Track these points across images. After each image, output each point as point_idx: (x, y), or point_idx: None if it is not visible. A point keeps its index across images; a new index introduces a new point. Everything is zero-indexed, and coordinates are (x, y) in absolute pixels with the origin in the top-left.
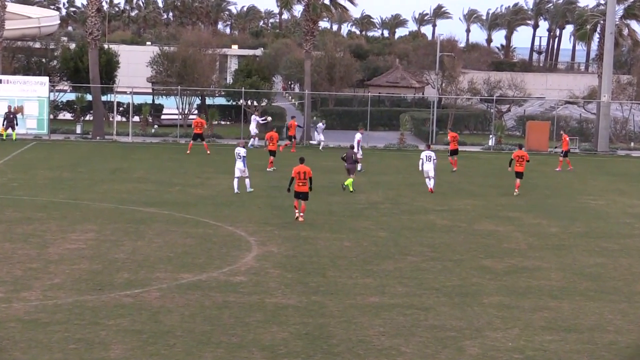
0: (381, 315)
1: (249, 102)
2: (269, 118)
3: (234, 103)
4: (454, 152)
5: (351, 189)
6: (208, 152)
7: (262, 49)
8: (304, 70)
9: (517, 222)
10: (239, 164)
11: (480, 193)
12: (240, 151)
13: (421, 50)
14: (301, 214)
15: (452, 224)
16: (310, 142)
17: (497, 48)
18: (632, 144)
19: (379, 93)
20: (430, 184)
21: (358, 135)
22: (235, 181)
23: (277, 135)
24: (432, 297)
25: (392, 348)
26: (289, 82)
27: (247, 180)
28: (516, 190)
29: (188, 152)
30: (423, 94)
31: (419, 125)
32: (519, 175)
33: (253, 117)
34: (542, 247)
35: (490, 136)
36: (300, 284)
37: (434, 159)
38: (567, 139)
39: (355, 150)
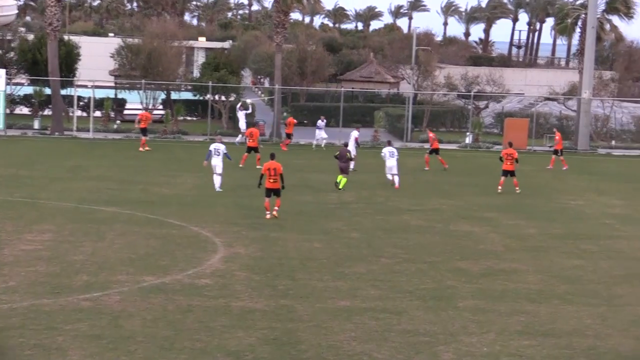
0: (352, 320)
1: (217, 97)
2: (249, 109)
3: (201, 98)
4: (436, 151)
5: (341, 187)
6: (147, 148)
7: (231, 41)
8: (274, 64)
9: (494, 222)
10: (216, 160)
11: (457, 193)
12: (220, 147)
13: (396, 44)
14: (275, 208)
15: (427, 225)
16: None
17: (475, 42)
18: (614, 142)
19: (353, 88)
20: (395, 180)
21: (355, 133)
22: (216, 178)
23: (257, 132)
24: (405, 300)
25: (364, 353)
26: (259, 77)
27: (219, 179)
28: (500, 188)
29: (141, 149)
30: (398, 89)
31: (393, 122)
32: (506, 173)
33: (239, 113)
34: (519, 248)
35: (468, 134)
36: (268, 287)
37: (396, 156)
38: (560, 136)
39: (351, 148)
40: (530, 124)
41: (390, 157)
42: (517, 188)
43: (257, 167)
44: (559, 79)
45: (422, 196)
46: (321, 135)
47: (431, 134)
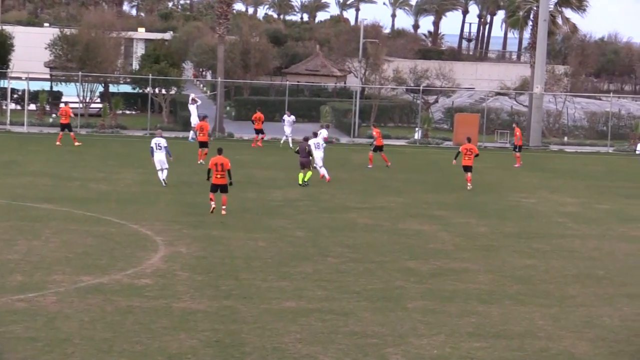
0: (298, 321)
1: (157, 90)
2: (199, 101)
3: (140, 91)
4: (380, 148)
5: (304, 181)
6: (76, 143)
7: (172, 32)
8: (217, 57)
9: (443, 221)
10: (159, 156)
11: (405, 190)
12: (161, 141)
13: (343, 36)
14: (223, 206)
15: (374, 223)
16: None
17: (425, 35)
18: (566, 138)
19: (298, 82)
20: (322, 172)
21: (324, 132)
22: (160, 174)
23: (207, 126)
24: (352, 301)
25: (310, 356)
26: (200, 69)
27: (165, 172)
28: (469, 184)
29: (58, 142)
30: (345, 83)
31: (340, 117)
32: (467, 169)
33: (191, 107)
34: (470, 247)
35: (417, 129)
36: (210, 287)
37: (322, 146)
38: (519, 132)
39: (319, 147)
40: (480, 120)
41: (316, 149)
42: (469, 184)
43: (200, 162)
44: (510, 73)
45: (370, 193)
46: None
47: (376, 130)
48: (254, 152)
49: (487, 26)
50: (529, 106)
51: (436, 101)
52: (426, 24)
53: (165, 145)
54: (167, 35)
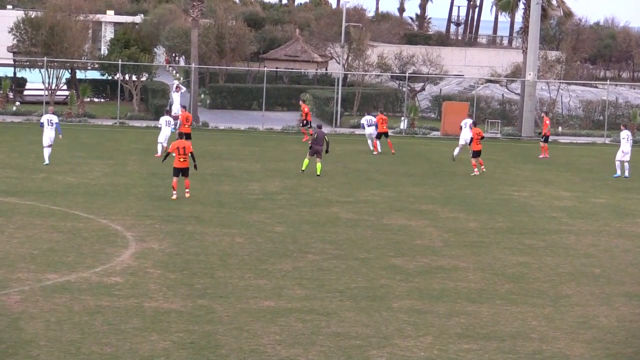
0: (277, 322)
1: (127, 77)
2: (183, 88)
3: (109, 77)
4: (385, 135)
5: (301, 169)
6: None
7: (142, 15)
8: (190, 41)
9: (431, 215)
10: (49, 132)
11: (391, 183)
12: (53, 118)
13: (324, 20)
14: (187, 190)
15: (358, 218)
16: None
17: (411, 18)
18: (560, 128)
19: (277, 68)
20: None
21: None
22: (46, 151)
23: (191, 117)
24: (335, 300)
25: (289, 358)
26: (173, 55)
27: (49, 150)
28: (476, 170)
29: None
30: (326, 69)
31: (321, 105)
32: (477, 154)
33: (174, 94)
34: (459, 244)
35: (402, 118)
36: (184, 285)
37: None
38: (548, 121)
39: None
40: (470, 108)
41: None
42: (476, 170)
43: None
44: (501, 59)
45: (353, 186)
46: None
47: (380, 117)
48: (229, 143)
49: (477, 9)
50: (521, 94)
51: (423, 89)
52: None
53: (57, 122)
54: (138, 19)
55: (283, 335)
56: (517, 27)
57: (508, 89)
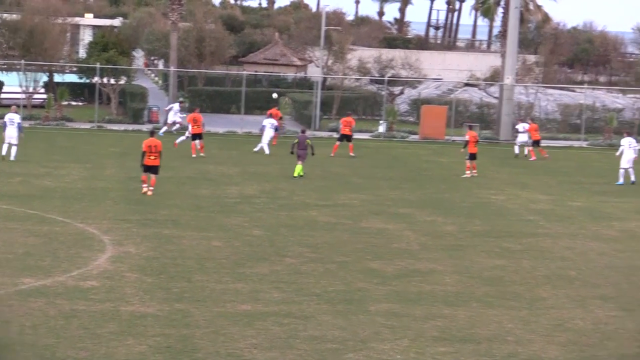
0: (254, 325)
1: (105, 80)
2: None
3: (88, 81)
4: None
5: (298, 174)
6: None
7: (121, 19)
8: (170, 44)
9: (408, 219)
10: (11, 131)
11: (368, 186)
12: (14, 117)
13: (304, 24)
14: (150, 187)
15: (335, 221)
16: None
17: (390, 22)
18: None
19: (256, 71)
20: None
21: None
22: (5, 147)
23: (200, 117)
24: (312, 304)
25: None
26: (152, 58)
27: (14, 150)
28: (468, 172)
29: None
30: (306, 73)
31: (300, 109)
32: (473, 157)
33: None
34: (436, 247)
35: (381, 122)
36: (161, 289)
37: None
38: (534, 125)
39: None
40: (449, 112)
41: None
42: (468, 172)
43: (201, 154)
44: (480, 63)
45: (331, 190)
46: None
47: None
48: (207, 147)
49: (456, 13)
50: (499, 98)
51: (402, 92)
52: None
53: (19, 121)
54: (117, 22)
55: (260, 339)
56: (495, 31)
57: (486, 93)
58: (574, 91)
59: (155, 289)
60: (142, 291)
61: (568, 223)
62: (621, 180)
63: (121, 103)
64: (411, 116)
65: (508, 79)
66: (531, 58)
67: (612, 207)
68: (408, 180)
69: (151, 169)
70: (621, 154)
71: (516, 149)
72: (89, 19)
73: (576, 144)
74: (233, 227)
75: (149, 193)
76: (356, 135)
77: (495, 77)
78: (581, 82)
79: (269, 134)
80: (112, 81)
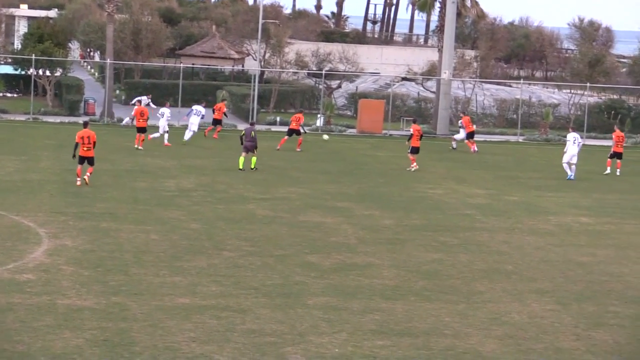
0: (192, 319)
1: (41, 72)
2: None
3: (23, 72)
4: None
5: (252, 166)
6: None
7: (57, 10)
8: (106, 36)
9: (346, 212)
10: None
11: (306, 180)
12: None
13: (241, 17)
14: (87, 174)
15: (274, 215)
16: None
17: (327, 16)
18: (475, 126)
19: (193, 64)
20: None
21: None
22: None
23: (147, 111)
24: (250, 297)
25: (204, 356)
26: (88, 50)
27: None
28: (413, 165)
29: None
30: (243, 66)
31: (238, 102)
32: (415, 150)
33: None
34: (374, 241)
35: (319, 115)
36: (98, 282)
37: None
38: (469, 119)
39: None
40: (386, 106)
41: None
42: (413, 165)
43: (138, 147)
44: (417, 57)
45: (269, 184)
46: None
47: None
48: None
49: (393, 8)
50: (436, 92)
51: (339, 86)
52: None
53: None
54: (52, 13)
55: (197, 332)
56: (432, 25)
57: (424, 87)
58: (510, 86)
59: (92, 282)
60: (79, 284)
61: (505, 217)
62: (571, 174)
63: (57, 95)
64: (349, 110)
65: (445, 74)
66: (469, 53)
67: (548, 201)
68: (346, 174)
69: (86, 160)
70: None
71: (454, 144)
72: (24, 10)
73: (513, 138)
74: (171, 221)
75: (85, 179)
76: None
77: (432, 71)
78: (517, 77)
79: (194, 120)
80: (48, 73)
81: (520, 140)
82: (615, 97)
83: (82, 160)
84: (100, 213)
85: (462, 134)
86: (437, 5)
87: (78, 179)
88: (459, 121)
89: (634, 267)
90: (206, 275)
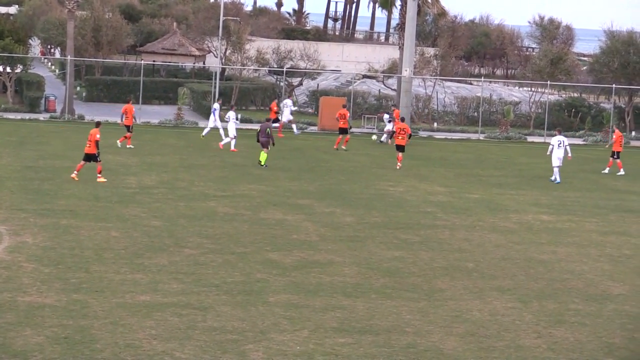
0: (153, 316)
1: (1, 68)
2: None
3: None
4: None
5: (262, 164)
6: None
7: (17, 6)
8: (66, 33)
9: (307, 210)
10: None
11: (267, 177)
12: None
13: (202, 14)
14: (98, 174)
15: (235, 212)
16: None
17: (288, 13)
18: (436, 124)
19: (154, 61)
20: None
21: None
22: None
23: (132, 108)
24: (211, 295)
25: (165, 353)
26: (49, 46)
27: None
28: (399, 164)
29: None
30: (204, 63)
31: (199, 99)
32: (400, 148)
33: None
34: (335, 238)
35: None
36: (59, 280)
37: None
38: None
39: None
40: (347, 103)
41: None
42: (399, 164)
43: (128, 146)
44: (378, 55)
45: (230, 181)
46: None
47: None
48: (107, 137)
49: (354, 5)
50: (397, 90)
51: (300, 83)
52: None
53: None
54: (13, 9)
55: (159, 330)
56: (393, 23)
57: (385, 85)
58: (471, 84)
59: (53, 279)
60: (40, 281)
61: (465, 215)
62: (558, 179)
63: (17, 92)
64: (310, 107)
65: (406, 71)
66: (429, 50)
67: (508, 199)
68: (307, 171)
69: (90, 157)
70: (551, 152)
71: (383, 137)
72: None
73: (473, 136)
74: (131, 218)
75: (102, 180)
76: (254, 126)
77: (393, 69)
78: (478, 75)
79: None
80: (9, 69)
81: (481, 138)
82: (575, 95)
83: (87, 157)
84: (61, 210)
85: (390, 126)
86: (398, 2)
87: (76, 172)
88: (389, 115)
89: (594, 265)
90: (167, 272)
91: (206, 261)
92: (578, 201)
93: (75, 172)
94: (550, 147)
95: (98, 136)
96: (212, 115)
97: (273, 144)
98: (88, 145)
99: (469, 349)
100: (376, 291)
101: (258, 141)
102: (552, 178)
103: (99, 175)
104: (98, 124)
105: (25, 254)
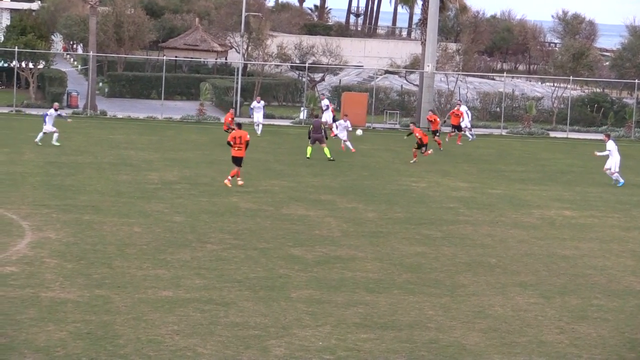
0: (175, 312)
1: (24, 64)
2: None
3: (6, 65)
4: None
5: (330, 157)
6: None
7: (40, 2)
8: (89, 29)
9: (330, 206)
10: None
11: (290, 173)
12: None
13: (224, 9)
14: (238, 178)
15: (257, 208)
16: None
17: (310, 9)
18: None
19: (176, 57)
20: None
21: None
22: None
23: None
24: (233, 290)
25: (188, 349)
26: (71, 42)
27: None
28: (414, 159)
29: None
30: (226, 59)
31: (221, 95)
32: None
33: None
34: (357, 234)
35: (302, 108)
36: (81, 275)
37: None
38: (437, 119)
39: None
40: (369, 99)
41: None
42: (412, 159)
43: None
44: (400, 50)
45: (252, 176)
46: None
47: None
48: (128, 132)
49: (376, 1)
50: (419, 85)
51: (322, 79)
52: None
53: None
54: (35, 5)
55: (181, 325)
56: (416, 18)
57: (407, 80)
58: (493, 79)
59: (76, 275)
60: (62, 277)
61: (488, 210)
62: (621, 180)
63: (40, 87)
64: (332, 103)
65: (428, 67)
66: (452, 46)
67: (531, 194)
68: (329, 167)
69: (238, 160)
70: (607, 155)
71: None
72: (6, 2)
73: (496, 131)
74: (154, 213)
75: (240, 182)
76: (277, 122)
77: (415, 64)
78: (500, 71)
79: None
80: (31, 65)
81: (504, 133)
82: (598, 90)
83: (236, 160)
84: (84, 206)
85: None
86: None
87: (230, 179)
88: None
89: (617, 261)
90: (189, 268)
91: (228, 257)
92: (600, 197)
93: (229, 177)
94: (607, 152)
95: (248, 137)
96: (250, 113)
97: (327, 138)
98: (238, 148)
99: (491, 344)
100: (399, 287)
101: (309, 138)
102: (616, 183)
103: (238, 178)
104: (240, 126)
105: (48, 250)
